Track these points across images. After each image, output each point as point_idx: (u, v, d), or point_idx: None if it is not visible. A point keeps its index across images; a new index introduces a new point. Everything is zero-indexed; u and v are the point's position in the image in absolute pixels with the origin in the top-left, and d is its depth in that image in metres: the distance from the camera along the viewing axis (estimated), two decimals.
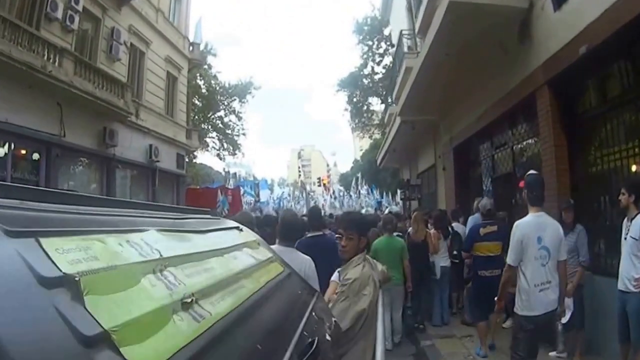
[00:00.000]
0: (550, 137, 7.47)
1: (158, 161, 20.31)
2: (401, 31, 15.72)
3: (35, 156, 14.08)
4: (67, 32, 14.96)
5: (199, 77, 31.81)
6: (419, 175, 21.69)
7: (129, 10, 18.34)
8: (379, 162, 27.51)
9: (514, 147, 9.81)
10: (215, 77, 33.14)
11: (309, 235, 5.95)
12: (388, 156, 23.75)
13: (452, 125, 13.83)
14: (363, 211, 29.29)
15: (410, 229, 8.93)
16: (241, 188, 26.75)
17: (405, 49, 15.51)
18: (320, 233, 6.23)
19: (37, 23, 13.84)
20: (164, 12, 21.41)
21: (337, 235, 3.75)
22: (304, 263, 4.32)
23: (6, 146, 12.82)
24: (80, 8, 15.19)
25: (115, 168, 17.81)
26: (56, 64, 13.74)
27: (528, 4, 7.87)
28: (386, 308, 8.08)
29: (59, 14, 14.34)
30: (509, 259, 4.58)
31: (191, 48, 24.89)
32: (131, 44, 18.78)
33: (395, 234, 8.31)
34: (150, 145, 19.88)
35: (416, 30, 14.20)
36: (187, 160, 35.19)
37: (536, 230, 4.47)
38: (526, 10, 7.92)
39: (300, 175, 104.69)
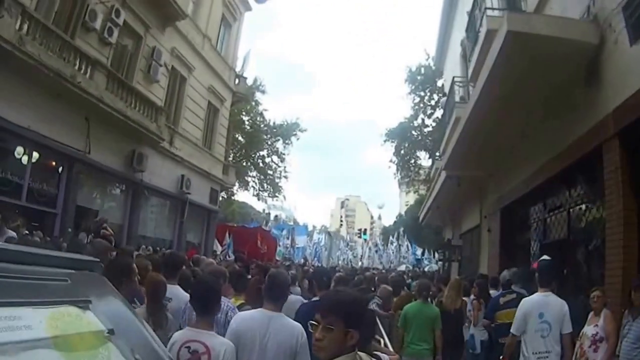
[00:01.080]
0: (618, 200, 6.10)
1: (189, 193, 19.64)
2: (453, 78, 14.59)
3: (57, 169, 13.61)
4: (105, 44, 14.62)
5: (244, 113, 31.48)
6: (461, 235, 20.21)
7: (173, 31, 18.08)
8: (421, 218, 26.07)
9: (571, 211, 8.39)
10: (261, 114, 32.84)
11: (313, 299, 5.26)
12: (431, 213, 22.39)
13: (501, 183, 12.61)
14: (402, 268, 27.87)
15: (442, 296, 7.81)
16: (274, 233, 25.76)
17: (457, 99, 14.41)
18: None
19: (73, 31, 13.48)
20: (211, 39, 21.16)
21: (311, 323, 2.50)
22: (293, 333, 3.75)
23: (26, 154, 12.36)
24: (120, 22, 14.89)
25: (142, 194, 17.18)
26: (87, 75, 13.31)
27: (599, 39, 6.65)
28: None
29: (98, 24, 14.00)
30: (512, 329, 5.51)
31: (237, 81, 24.59)
32: (172, 67, 18.45)
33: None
34: (182, 176, 19.27)
35: (469, 76, 13.10)
36: (224, 196, 34.89)
37: (538, 307, 5.31)
38: (596, 47, 6.71)
39: (341, 224, 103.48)
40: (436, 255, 27.01)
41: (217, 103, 22.43)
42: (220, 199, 35.53)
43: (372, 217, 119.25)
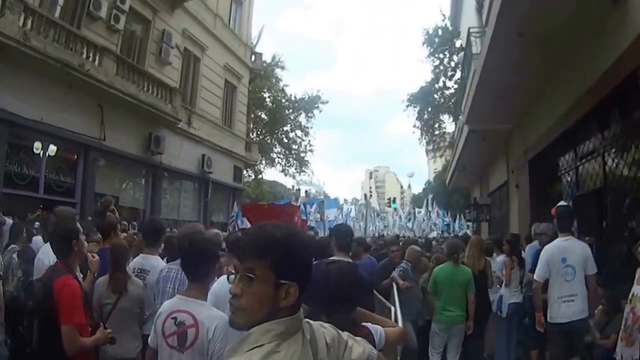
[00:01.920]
0: None
1: (211, 172, 19.26)
2: (469, 29, 13.49)
3: (73, 158, 13.36)
4: (112, 32, 14.23)
5: (265, 90, 30.82)
6: (489, 194, 19.17)
7: (182, 13, 17.48)
8: (447, 181, 25.04)
9: (606, 155, 7.50)
10: (282, 90, 32.08)
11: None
12: (457, 174, 21.30)
13: (527, 134, 11.62)
14: (433, 234, 27.12)
15: (464, 256, 7.07)
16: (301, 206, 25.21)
17: (475, 50, 13.31)
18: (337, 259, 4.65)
19: (79, 21, 13.20)
20: (222, 18, 20.50)
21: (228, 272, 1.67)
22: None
23: (41, 146, 12.11)
24: (126, 8, 14.41)
25: (162, 177, 16.87)
26: (96, 62, 13.01)
27: None
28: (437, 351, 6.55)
29: (103, 13, 13.63)
30: (536, 275, 5.47)
31: (253, 57, 23.96)
32: (185, 48, 17.90)
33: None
34: (203, 155, 18.86)
35: (485, 24, 12.05)
36: (252, 176, 34.58)
37: (561, 252, 5.28)
38: None
39: (371, 195, 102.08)
40: (463, 217, 26.00)
41: (234, 80, 21.85)
42: (249, 178, 35.47)
43: (401, 187, 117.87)
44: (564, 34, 6.90)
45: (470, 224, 24.73)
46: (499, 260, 7.37)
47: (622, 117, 6.84)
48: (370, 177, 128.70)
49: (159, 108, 15.27)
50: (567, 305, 5.15)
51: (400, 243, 9.53)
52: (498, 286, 7.25)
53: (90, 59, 12.81)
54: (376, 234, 30.94)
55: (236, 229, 15.30)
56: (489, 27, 7.90)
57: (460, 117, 18.02)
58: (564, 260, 5.20)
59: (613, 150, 7.23)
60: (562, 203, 6.02)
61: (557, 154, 10.02)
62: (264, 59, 31.14)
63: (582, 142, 8.53)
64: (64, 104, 12.23)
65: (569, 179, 9.56)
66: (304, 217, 25.54)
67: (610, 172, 7.36)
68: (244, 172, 26.34)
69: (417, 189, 66.07)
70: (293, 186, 41.99)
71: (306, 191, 41.65)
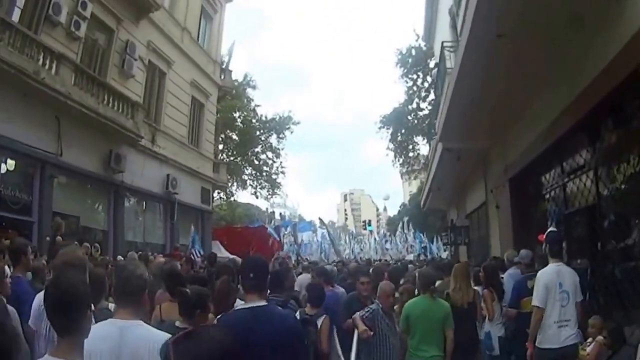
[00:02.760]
0: None
1: (176, 193, 18.39)
2: (442, 43, 13.04)
3: (29, 173, 12.45)
4: (72, 39, 13.49)
5: (236, 111, 30.12)
6: (467, 216, 18.54)
7: (148, 24, 16.80)
8: (422, 203, 24.53)
9: (599, 169, 6.96)
10: (254, 110, 31.44)
11: (241, 306, 3.41)
12: (432, 196, 20.64)
13: (507, 150, 11.03)
14: (410, 257, 26.57)
15: (451, 289, 6.36)
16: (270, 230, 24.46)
17: (449, 65, 12.79)
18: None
19: (37, 25, 12.42)
20: (190, 32, 19.87)
21: None
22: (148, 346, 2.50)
23: None
24: (87, 14, 13.72)
25: (124, 196, 15.94)
26: (52, 71, 12.21)
27: None
28: None
29: (63, 18, 12.90)
30: (538, 302, 5.26)
31: (222, 75, 23.33)
32: (149, 61, 17.18)
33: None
34: (168, 175, 18.02)
35: (459, 35, 11.54)
36: (223, 198, 33.66)
37: (557, 277, 5.26)
38: None
39: (346, 218, 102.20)
40: (440, 239, 25.44)
41: (201, 98, 21.12)
42: (221, 201, 34.55)
43: (377, 209, 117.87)
44: (549, 32, 6.24)
45: (447, 247, 24.19)
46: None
47: (616, 126, 6.33)
48: (345, 200, 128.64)
49: (120, 123, 14.46)
50: (563, 329, 5.15)
51: (371, 270, 8.81)
52: (479, 321, 6.62)
53: (47, 67, 12.04)
54: (352, 258, 30.41)
55: (195, 255, 14.04)
56: (465, 30, 7.27)
57: (434, 137, 17.66)
58: (560, 285, 5.23)
59: (607, 163, 6.70)
60: (552, 229, 6.15)
61: (541, 170, 9.51)
62: (234, 77, 30.65)
63: (570, 156, 8.02)
64: (17, 115, 11.38)
65: (554, 196, 9.03)
66: (277, 239, 24.86)
67: (604, 187, 6.83)
68: (214, 194, 25.48)
69: (393, 211, 65.71)
70: (267, 209, 41.18)
71: (280, 214, 41.02)
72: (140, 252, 13.61)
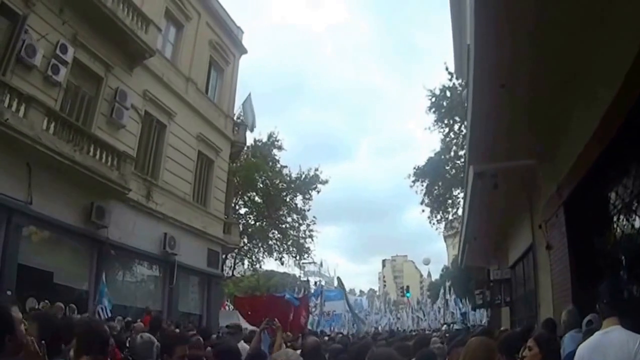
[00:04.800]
0: None
1: (175, 254, 17.34)
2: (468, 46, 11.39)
3: None
4: (51, 84, 13.10)
5: (261, 174, 29.31)
6: (511, 267, 15.43)
7: (143, 72, 16.42)
8: (459, 260, 22.09)
9: None
10: (279, 172, 30.67)
11: None
12: (469, 249, 18.00)
13: (559, 163, 8.25)
14: (456, 326, 24.06)
15: None
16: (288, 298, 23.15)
17: None
18: None
19: (6, 66, 12.02)
20: (196, 83, 19.47)
21: None
22: None
23: None
24: (68, 59, 13.40)
25: (109, 254, 14.96)
26: (20, 113, 11.70)
27: None
28: None
29: (37, 61, 12.58)
30: None
31: (236, 129, 22.74)
32: (146, 112, 16.69)
33: None
34: (165, 234, 17.05)
35: None
36: (246, 265, 32.49)
37: (591, 352, 3.55)
38: None
39: (384, 285, 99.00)
40: (471, 301, 22.27)
41: (210, 153, 20.45)
42: (244, 267, 33.41)
43: (421, 275, 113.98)
44: None
45: (481, 311, 21.22)
46: None
47: None
48: (384, 266, 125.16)
49: (102, 174, 13.76)
50: None
51: None
52: None
53: (14, 109, 11.55)
54: (386, 329, 28.39)
55: (100, 314, 12.37)
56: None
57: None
58: None
59: None
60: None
61: (609, 183, 6.94)
62: (259, 137, 30.20)
63: None
64: None
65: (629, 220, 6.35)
66: (295, 306, 23.33)
67: None
68: (226, 257, 24.41)
69: (437, 276, 62.46)
70: (299, 276, 39.77)
71: (315, 282, 39.64)
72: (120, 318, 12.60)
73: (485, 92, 7.20)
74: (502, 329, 11.64)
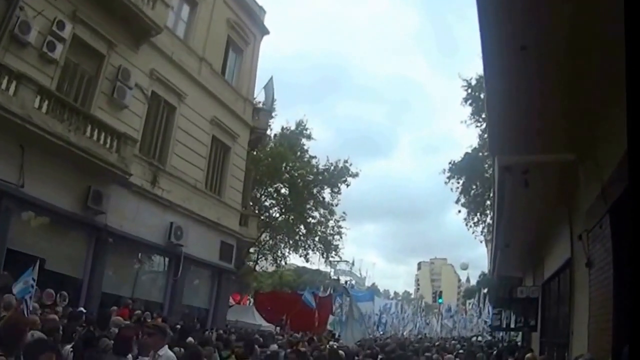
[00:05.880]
0: None
1: (181, 245, 17.02)
2: None
3: None
4: (47, 62, 12.96)
5: (286, 164, 28.79)
6: (545, 284, 14.09)
7: (150, 50, 16.14)
8: (492, 268, 21.01)
9: None
10: (308, 162, 30.03)
11: None
12: (500, 256, 16.88)
13: (608, 160, 6.67)
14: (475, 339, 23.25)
15: None
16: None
17: None
18: None
19: None
20: (211, 64, 19.08)
21: None
22: None
23: None
24: (66, 36, 13.25)
25: (107, 242, 14.71)
26: (9, 91, 11.56)
27: None
28: None
29: (32, 38, 12.45)
30: None
31: (257, 115, 22.26)
32: (153, 92, 16.39)
33: None
34: (171, 224, 16.74)
35: None
36: (274, 261, 32.14)
37: None
38: None
39: (418, 288, 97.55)
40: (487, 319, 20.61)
41: (226, 139, 20.05)
42: (268, 263, 33.14)
43: (459, 280, 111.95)
44: None
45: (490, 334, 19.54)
46: None
47: None
48: (419, 268, 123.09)
49: (99, 156, 13.52)
50: None
51: None
52: None
53: (3, 86, 11.42)
54: (413, 334, 27.82)
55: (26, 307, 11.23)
56: None
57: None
58: None
59: None
60: None
61: None
62: (287, 125, 29.70)
63: None
64: None
65: None
66: (313, 307, 22.94)
67: None
68: (248, 250, 24.05)
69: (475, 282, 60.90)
70: (330, 275, 39.37)
71: (346, 282, 39.22)
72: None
73: (503, 55, 6.12)
74: (527, 356, 10.51)
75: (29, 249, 12.60)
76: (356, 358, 11.39)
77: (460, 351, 14.05)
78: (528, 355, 10.60)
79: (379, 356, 11.46)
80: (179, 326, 13.27)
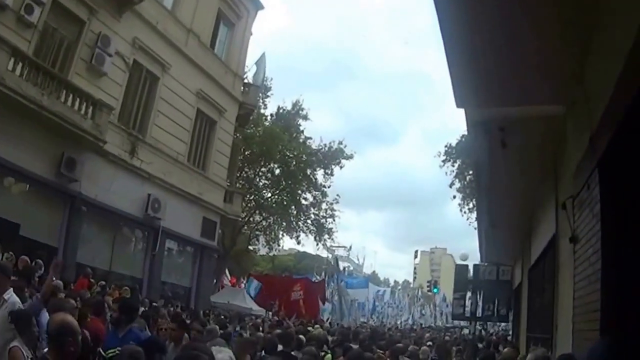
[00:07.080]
0: None
1: (159, 218, 17.49)
2: None
3: None
4: (25, 25, 13.35)
5: (282, 145, 29.10)
6: (531, 269, 11.93)
7: (134, 18, 16.53)
8: (480, 254, 20.78)
9: None
10: (303, 143, 30.34)
11: None
12: (486, 240, 15.15)
13: (598, 102, 4.56)
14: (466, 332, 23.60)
15: None
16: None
17: None
18: None
19: None
20: (199, 36, 19.46)
21: None
22: None
23: None
24: (45, 0, 13.56)
25: (81, 210, 15.18)
26: None
27: None
28: None
29: (9, 1, 12.82)
30: None
31: (246, 90, 22.61)
32: (135, 61, 16.81)
33: None
34: (149, 195, 17.20)
35: None
36: (266, 243, 32.63)
37: None
38: None
39: (414, 278, 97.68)
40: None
41: (212, 113, 20.47)
42: (262, 247, 33.65)
43: None
44: None
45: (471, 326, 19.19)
46: None
47: None
48: (415, 257, 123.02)
49: (72, 122, 13.96)
50: None
51: None
52: None
53: None
54: (408, 325, 28.27)
55: None
56: None
57: None
58: None
59: None
60: None
61: None
62: (283, 105, 30.02)
63: None
64: None
65: None
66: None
67: None
68: (240, 229, 24.50)
69: None
70: (326, 258, 39.77)
71: (344, 268, 39.51)
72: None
73: None
74: (505, 350, 9.76)
75: (3, 213, 13.01)
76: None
77: (429, 343, 13.59)
78: (506, 350, 10.06)
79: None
80: (155, 304, 13.75)
